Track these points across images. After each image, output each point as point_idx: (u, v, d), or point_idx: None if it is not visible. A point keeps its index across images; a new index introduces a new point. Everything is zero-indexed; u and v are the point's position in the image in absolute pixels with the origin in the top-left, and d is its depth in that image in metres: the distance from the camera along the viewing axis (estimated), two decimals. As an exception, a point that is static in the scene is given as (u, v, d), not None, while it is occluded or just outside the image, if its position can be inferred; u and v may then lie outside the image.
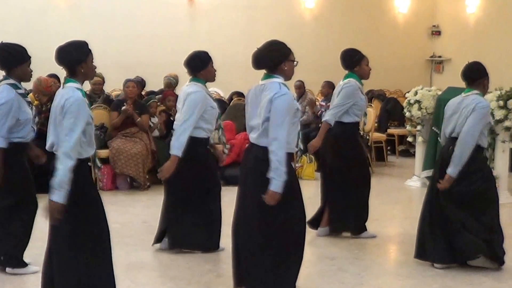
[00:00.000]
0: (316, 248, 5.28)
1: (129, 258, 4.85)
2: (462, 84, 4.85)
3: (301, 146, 3.97)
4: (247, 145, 4.19)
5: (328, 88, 9.17)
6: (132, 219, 6.10)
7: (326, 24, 12.07)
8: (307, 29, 11.80)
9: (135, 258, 4.87)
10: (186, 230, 4.93)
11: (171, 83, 8.43)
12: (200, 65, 4.92)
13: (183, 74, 8.92)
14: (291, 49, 3.81)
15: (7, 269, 4.45)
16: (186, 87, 4.93)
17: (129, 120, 7.38)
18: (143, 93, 8.88)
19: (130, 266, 4.66)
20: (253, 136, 3.77)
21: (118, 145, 7.24)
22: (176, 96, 8.20)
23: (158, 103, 7.99)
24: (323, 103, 9.14)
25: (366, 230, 5.50)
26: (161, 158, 7.51)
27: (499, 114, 6.71)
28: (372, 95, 10.69)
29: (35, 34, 9.15)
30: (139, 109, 7.47)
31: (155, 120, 7.75)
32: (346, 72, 5.44)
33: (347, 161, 5.34)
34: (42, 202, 3.69)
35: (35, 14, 9.80)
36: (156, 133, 7.67)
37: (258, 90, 3.76)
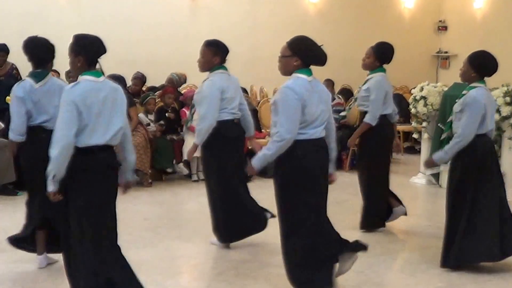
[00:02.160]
0: (319, 245, 5.22)
1: (128, 255, 4.72)
2: (468, 80, 4.76)
3: None
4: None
5: (329, 87, 9.11)
6: (133, 216, 6.04)
7: (330, 19, 11.98)
8: (311, 24, 11.68)
9: (134, 255, 4.77)
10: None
11: (173, 79, 8.37)
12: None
13: (188, 70, 8.97)
14: None
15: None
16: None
17: None
18: (144, 88, 8.82)
19: (130, 263, 4.59)
20: None
21: (117, 142, 7.22)
22: (176, 94, 8.17)
23: (157, 99, 7.94)
24: None
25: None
26: (163, 154, 7.49)
27: (506, 110, 6.62)
28: (377, 91, 10.59)
29: (35, 26, 9.04)
30: None
31: (151, 117, 7.70)
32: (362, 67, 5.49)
33: (372, 154, 5.39)
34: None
35: (35, 8, 9.71)
36: (153, 128, 7.63)
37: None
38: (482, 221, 4.46)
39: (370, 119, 5.32)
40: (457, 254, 4.49)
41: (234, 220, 4.96)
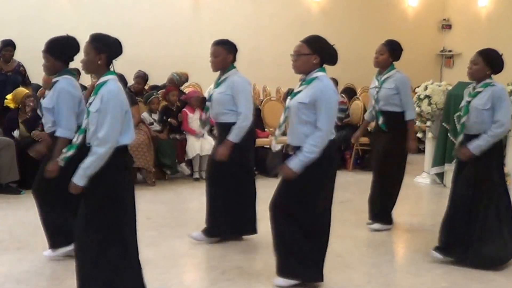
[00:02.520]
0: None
1: (132, 255, 4.77)
2: (473, 78, 4.74)
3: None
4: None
5: None
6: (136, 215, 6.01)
7: (333, 18, 11.94)
8: (313, 22, 11.64)
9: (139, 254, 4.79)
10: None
11: (173, 79, 8.35)
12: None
13: (190, 69, 8.95)
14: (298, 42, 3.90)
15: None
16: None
17: None
18: (146, 87, 8.79)
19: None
20: None
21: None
22: (179, 92, 8.16)
23: (160, 98, 7.93)
24: None
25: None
26: (166, 154, 7.48)
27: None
28: (381, 90, 10.57)
29: (36, 27, 9.05)
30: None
31: (156, 116, 7.69)
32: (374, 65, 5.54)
33: (399, 152, 5.43)
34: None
35: (36, 7, 9.69)
36: (156, 127, 7.62)
37: None
38: (508, 221, 4.57)
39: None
40: (491, 255, 4.52)
41: (233, 217, 5.01)
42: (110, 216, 3.45)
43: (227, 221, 5.02)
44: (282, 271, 4.07)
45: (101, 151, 3.30)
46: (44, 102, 4.46)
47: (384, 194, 5.53)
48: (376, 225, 5.58)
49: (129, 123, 3.45)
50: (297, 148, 3.88)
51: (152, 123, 7.63)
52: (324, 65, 3.94)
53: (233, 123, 4.81)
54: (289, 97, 4.03)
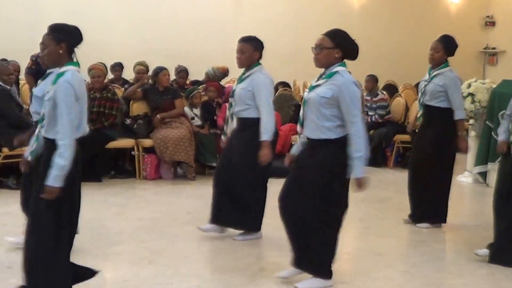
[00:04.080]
0: (364, 243, 5.17)
1: (172, 249, 4.83)
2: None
3: None
4: (293, 136, 4.20)
5: (373, 83, 8.99)
6: (176, 209, 6.08)
7: (374, 15, 11.81)
8: (354, 19, 11.55)
9: (178, 248, 4.84)
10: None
11: (208, 75, 8.39)
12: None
13: (231, 64, 8.96)
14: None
15: None
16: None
17: (167, 105, 7.42)
18: (187, 82, 8.87)
19: (173, 257, 4.63)
20: None
21: (162, 134, 7.25)
22: (219, 87, 8.20)
23: (202, 93, 8.00)
24: (368, 98, 8.93)
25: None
26: (206, 149, 7.52)
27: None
28: (422, 88, 10.41)
29: (80, 22, 9.17)
30: (171, 94, 7.54)
31: (197, 111, 7.74)
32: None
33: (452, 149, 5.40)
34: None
35: (81, 4, 9.87)
36: (197, 122, 7.67)
37: None
38: None
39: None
40: None
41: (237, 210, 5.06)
42: (61, 208, 3.30)
43: (231, 212, 5.03)
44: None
45: (69, 145, 3.20)
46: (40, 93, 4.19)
47: (429, 193, 5.44)
48: (423, 225, 5.53)
49: (83, 116, 3.33)
50: (315, 141, 3.85)
51: (193, 118, 7.68)
52: (352, 61, 3.88)
53: (253, 118, 4.79)
54: (307, 90, 4.00)
